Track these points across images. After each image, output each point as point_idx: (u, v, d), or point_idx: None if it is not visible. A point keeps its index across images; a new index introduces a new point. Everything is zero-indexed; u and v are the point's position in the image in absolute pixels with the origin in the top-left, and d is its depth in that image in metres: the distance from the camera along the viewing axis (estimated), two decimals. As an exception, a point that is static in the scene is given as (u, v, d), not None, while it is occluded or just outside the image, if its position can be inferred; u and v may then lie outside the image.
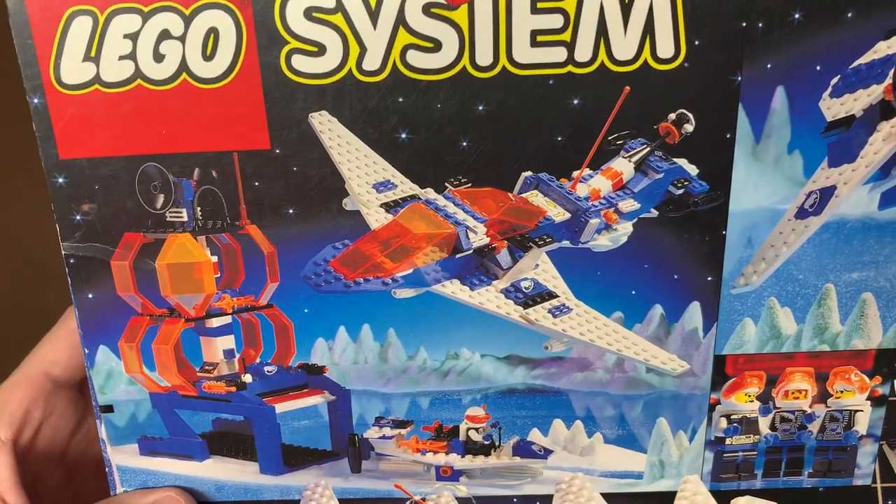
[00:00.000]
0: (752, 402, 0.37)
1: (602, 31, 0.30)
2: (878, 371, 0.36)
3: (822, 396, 0.37)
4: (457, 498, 0.39)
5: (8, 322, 0.58)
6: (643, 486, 0.38)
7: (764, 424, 0.37)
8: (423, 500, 0.39)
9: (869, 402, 0.37)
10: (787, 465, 0.38)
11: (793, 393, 0.36)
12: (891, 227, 0.33)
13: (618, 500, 0.39)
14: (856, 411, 0.37)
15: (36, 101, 0.31)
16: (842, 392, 0.36)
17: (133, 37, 0.30)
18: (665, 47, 0.31)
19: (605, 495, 0.39)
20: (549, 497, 0.39)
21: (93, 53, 0.31)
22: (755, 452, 0.38)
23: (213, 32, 0.31)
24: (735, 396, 0.37)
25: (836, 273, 0.34)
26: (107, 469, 0.38)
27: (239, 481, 0.38)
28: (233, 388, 0.37)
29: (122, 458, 0.38)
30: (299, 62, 0.31)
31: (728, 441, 0.37)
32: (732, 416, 0.37)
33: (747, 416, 0.37)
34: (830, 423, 0.37)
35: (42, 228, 0.60)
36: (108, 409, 0.37)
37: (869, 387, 0.36)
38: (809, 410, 0.37)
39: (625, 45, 0.31)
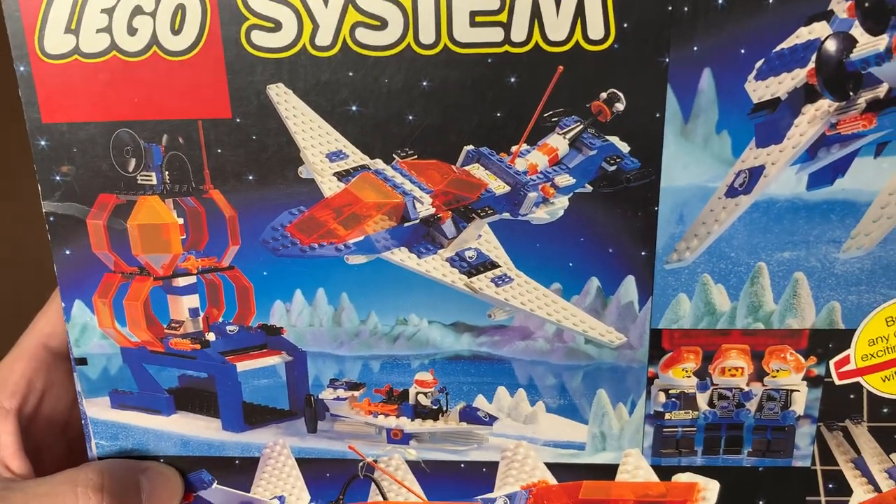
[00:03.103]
0: (689, 377, 0.38)
1: (536, 12, 0.33)
2: (812, 351, 0.37)
3: (759, 375, 0.38)
4: (406, 461, 0.41)
5: (9, 321, 0.61)
6: (585, 457, 0.40)
7: (702, 401, 0.38)
8: (375, 462, 0.41)
9: (805, 383, 0.38)
10: (727, 444, 0.39)
11: (729, 370, 0.38)
12: (819, 207, 0.35)
13: (561, 471, 0.40)
14: (792, 391, 0.38)
15: (22, 69, 0.34)
16: (778, 371, 0.37)
17: (109, 11, 0.34)
18: (595, 29, 0.33)
19: (549, 465, 0.40)
20: (495, 464, 0.40)
21: (73, 26, 0.34)
22: (694, 429, 0.39)
23: (180, 9, 0.33)
24: (672, 371, 0.38)
25: (768, 252, 0.36)
26: (83, 421, 0.41)
27: (203, 437, 0.41)
28: (197, 346, 0.39)
29: (95, 410, 0.40)
30: (258, 37, 0.34)
31: (667, 416, 0.39)
32: (671, 391, 0.38)
33: (685, 391, 0.38)
34: (768, 402, 0.38)
35: (42, 228, 0.64)
36: (83, 361, 0.39)
37: (804, 367, 0.37)
38: (746, 388, 0.38)
39: (557, 26, 0.33)
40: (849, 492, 0.40)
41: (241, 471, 0.41)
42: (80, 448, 0.42)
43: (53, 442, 0.42)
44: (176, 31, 0.34)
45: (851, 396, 0.38)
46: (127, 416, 0.41)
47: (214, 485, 0.42)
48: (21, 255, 0.79)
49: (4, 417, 0.39)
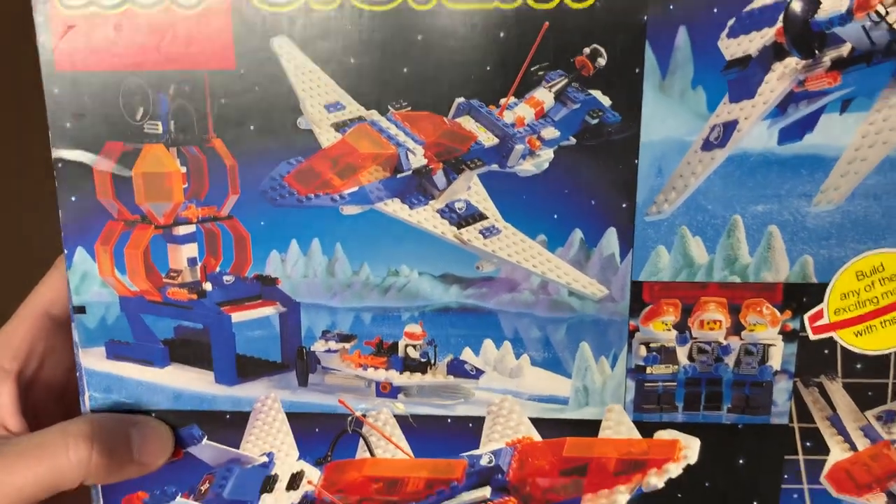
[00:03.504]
0: (669, 330, 0.39)
1: (524, -29, 0.35)
2: (787, 305, 0.39)
3: (737, 329, 0.39)
4: (394, 416, 0.42)
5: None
6: (569, 412, 0.41)
7: (682, 354, 0.40)
8: (364, 416, 0.42)
9: (781, 337, 0.39)
10: (707, 399, 0.40)
11: (707, 323, 0.39)
12: (790, 162, 0.37)
13: (545, 427, 0.41)
14: (769, 346, 0.39)
15: (40, 18, 0.37)
16: (755, 325, 0.39)
17: (126, -35, 0.36)
18: (579, -12, 0.35)
19: (533, 421, 0.41)
20: (481, 419, 0.41)
21: (91, -21, 0.36)
22: (675, 383, 0.40)
23: (193, -36, 0.36)
24: (653, 324, 0.39)
25: (742, 205, 0.37)
26: (77, 373, 0.42)
27: (195, 390, 0.42)
28: (194, 296, 0.41)
29: (91, 360, 0.41)
30: (264, -8, 0.36)
31: (648, 370, 0.40)
32: (651, 345, 0.40)
33: (665, 345, 0.40)
34: (745, 356, 0.39)
35: (42, 228, 0.65)
36: (81, 310, 0.41)
37: (780, 321, 0.39)
38: (725, 342, 0.39)
39: (544, -16, 0.35)
40: (826, 450, 0.41)
41: (231, 425, 0.42)
42: (76, 413, 0.43)
43: (51, 406, 0.42)
44: (187, -15, 0.36)
45: (826, 352, 0.39)
46: (121, 367, 0.41)
47: (204, 440, 0.42)
48: (21, 256, 0.80)
49: (4, 379, 0.40)
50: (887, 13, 0.35)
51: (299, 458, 0.42)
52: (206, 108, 0.38)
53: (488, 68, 0.36)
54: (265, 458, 0.42)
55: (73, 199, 0.39)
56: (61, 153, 0.38)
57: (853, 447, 0.40)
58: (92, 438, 0.38)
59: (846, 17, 0.35)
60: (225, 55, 0.37)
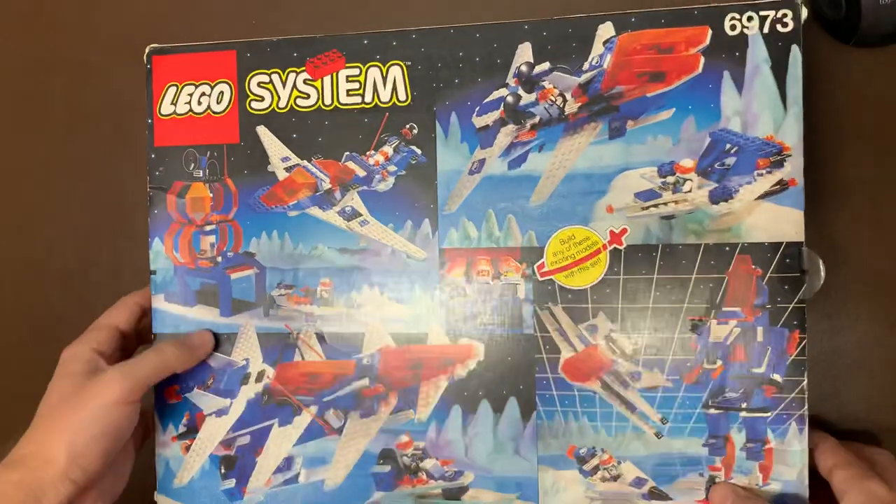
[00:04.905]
0: (461, 278, 0.70)
1: (375, 88, 0.71)
2: (524, 260, 0.69)
3: (496, 275, 0.69)
4: (315, 334, 0.73)
5: (9, 322, 0.72)
6: (410, 329, 0.71)
7: (471, 291, 0.70)
8: (299, 334, 0.73)
9: (522, 280, 0.69)
10: (487, 321, 0.69)
11: (480, 272, 0.69)
12: (516, 179, 0.68)
13: (397, 339, 0.71)
14: (516, 284, 0.69)
15: (149, 120, 0.75)
16: (506, 272, 0.69)
17: (189, 96, 0.74)
18: (401, 97, 0.70)
19: (392, 335, 0.71)
20: (362, 334, 0.72)
21: (173, 101, 0.75)
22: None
23: (221, 93, 0.74)
24: (452, 273, 0.70)
25: (493, 203, 0.69)
26: (152, 315, 0.75)
27: (208, 320, 0.74)
28: (212, 265, 0.75)
29: (156, 302, 0.75)
30: (253, 104, 0.73)
31: (450, 300, 0.70)
32: (455, 285, 0.70)
33: (458, 286, 0.70)
34: (504, 294, 0.69)
35: (42, 229, 0.86)
36: (154, 272, 0.75)
37: (520, 269, 0.69)
38: (492, 283, 0.69)
39: (385, 94, 0.71)
40: (559, 351, 0.68)
41: (227, 342, 0.74)
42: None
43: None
44: (219, 103, 0.74)
45: (549, 288, 0.68)
46: (171, 307, 0.75)
47: (213, 352, 0.74)
48: (22, 256, 0.87)
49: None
50: (556, 100, 0.67)
51: (262, 361, 0.74)
52: (223, 162, 0.74)
53: (360, 136, 0.71)
54: (244, 362, 0.74)
55: (155, 211, 0.75)
56: (152, 188, 0.75)
57: (574, 349, 0.68)
58: (175, 344, 0.71)
59: (535, 103, 0.68)
60: (233, 135, 0.73)
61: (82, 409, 0.60)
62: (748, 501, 0.62)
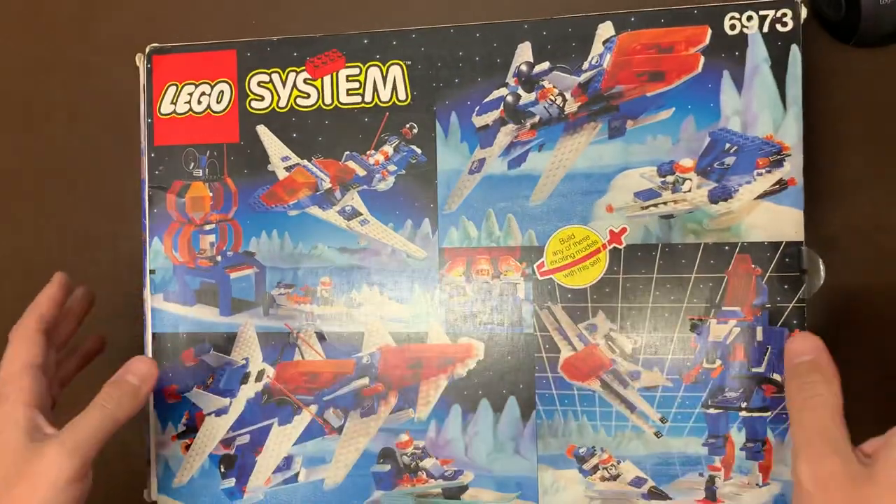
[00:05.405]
0: (460, 277, 0.70)
1: (375, 88, 0.71)
2: (524, 259, 0.69)
3: (496, 274, 0.69)
4: (315, 334, 0.73)
5: (7, 323, 0.68)
6: (410, 328, 0.71)
7: (469, 290, 0.70)
8: (299, 333, 0.73)
9: (522, 279, 0.69)
10: (488, 319, 0.69)
11: (480, 271, 0.69)
12: (516, 178, 0.68)
13: (397, 338, 0.71)
14: (516, 283, 0.69)
15: (149, 119, 0.75)
16: (507, 271, 0.69)
17: (189, 95, 0.74)
18: (401, 96, 0.70)
19: (391, 334, 0.71)
20: (361, 333, 0.72)
21: (173, 101, 0.75)
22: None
23: (222, 92, 0.74)
24: (453, 273, 0.70)
25: (492, 203, 0.69)
26: (145, 314, 0.75)
27: (208, 319, 0.74)
28: (212, 264, 0.75)
29: (155, 302, 0.75)
30: (253, 104, 0.73)
31: (450, 299, 0.70)
32: (454, 284, 0.70)
33: (458, 285, 0.70)
34: (503, 293, 0.69)
35: (42, 231, 0.85)
36: (153, 272, 0.75)
37: (520, 269, 0.69)
38: (492, 283, 0.69)
39: (385, 94, 0.71)
40: (558, 350, 0.68)
41: (227, 341, 0.74)
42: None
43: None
44: (219, 102, 0.74)
45: (549, 287, 0.68)
46: (170, 306, 0.75)
47: (211, 351, 0.74)
48: (22, 256, 0.87)
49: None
50: (556, 100, 0.68)
51: (262, 360, 0.73)
52: (223, 161, 0.74)
53: (360, 136, 0.71)
54: (244, 362, 0.74)
55: (155, 210, 0.75)
56: (150, 188, 0.75)
57: (574, 348, 0.68)
58: (116, 393, 0.67)
59: (535, 102, 0.68)
60: (233, 134, 0.73)
61: (31, 497, 0.54)
62: (830, 366, 0.56)
